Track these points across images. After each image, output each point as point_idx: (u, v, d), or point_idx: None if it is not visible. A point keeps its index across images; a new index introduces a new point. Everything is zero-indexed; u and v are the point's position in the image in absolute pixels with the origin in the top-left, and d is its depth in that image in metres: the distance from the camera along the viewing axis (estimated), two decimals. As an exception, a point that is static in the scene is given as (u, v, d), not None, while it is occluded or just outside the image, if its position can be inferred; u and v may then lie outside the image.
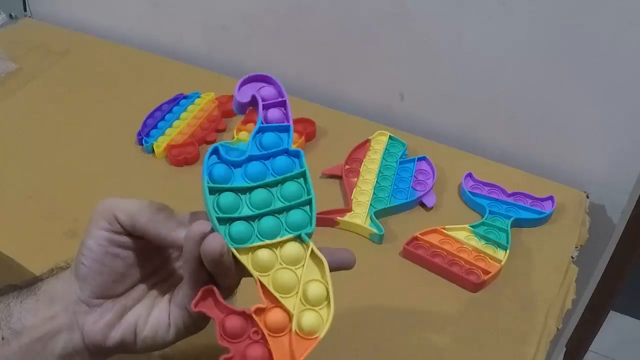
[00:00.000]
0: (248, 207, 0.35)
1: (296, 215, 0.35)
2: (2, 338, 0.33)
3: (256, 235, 0.34)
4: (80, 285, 0.35)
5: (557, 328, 0.49)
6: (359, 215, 0.58)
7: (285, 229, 0.35)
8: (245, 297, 0.37)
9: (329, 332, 0.48)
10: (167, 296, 0.38)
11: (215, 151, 0.36)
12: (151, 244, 0.36)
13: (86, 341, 0.35)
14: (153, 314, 0.37)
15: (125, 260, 0.36)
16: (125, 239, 0.35)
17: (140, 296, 0.37)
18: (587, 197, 0.62)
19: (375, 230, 0.56)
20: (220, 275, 0.33)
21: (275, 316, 0.33)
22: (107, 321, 0.35)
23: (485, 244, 0.55)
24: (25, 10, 1.07)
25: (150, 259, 0.38)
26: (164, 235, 0.34)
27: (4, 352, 0.34)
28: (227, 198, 0.34)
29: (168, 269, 0.39)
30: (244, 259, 0.33)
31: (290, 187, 0.36)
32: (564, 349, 0.81)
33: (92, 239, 0.34)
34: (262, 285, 0.33)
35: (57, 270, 0.37)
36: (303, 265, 0.34)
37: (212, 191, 0.34)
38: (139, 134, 0.71)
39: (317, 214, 0.57)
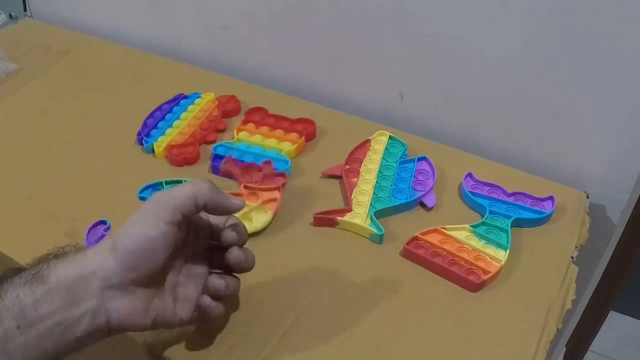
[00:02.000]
0: None
1: None
2: (18, 327, 0.34)
3: None
4: (123, 271, 0.36)
5: (557, 328, 0.49)
6: (359, 215, 0.58)
7: None
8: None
9: (328, 332, 0.48)
10: (181, 295, 0.42)
11: None
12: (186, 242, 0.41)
13: (112, 324, 0.37)
14: (171, 310, 0.40)
15: (168, 253, 0.38)
16: (177, 232, 0.38)
17: (157, 288, 0.40)
18: (587, 197, 0.62)
19: (375, 230, 0.56)
20: None
21: None
22: (139, 309, 0.37)
23: (485, 244, 0.55)
24: (25, 10, 1.07)
25: (183, 250, 0.41)
26: (223, 203, 0.40)
27: (22, 339, 0.34)
28: None
29: (190, 257, 0.43)
30: None
31: None
32: (564, 349, 0.81)
33: (154, 230, 0.37)
34: None
35: (60, 256, 0.37)
36: None
37: None
38: (139, 134, 0.71)
39: (317, 214, 0.58)
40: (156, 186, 0.62)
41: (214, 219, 0.44)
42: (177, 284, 0.42)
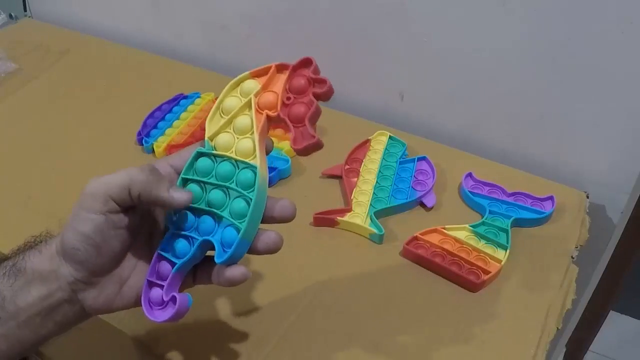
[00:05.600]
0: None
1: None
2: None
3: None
4: (76, 267, 0.36)
5: (557, 328, 0.49)
6: (359, 215, 0.58)
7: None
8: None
9: (328, 332, 0.48)
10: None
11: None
12: (140, 213, 0.37)
13: (88, 311, 0.37)
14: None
15: (121, 239, 0.37)
16: (120, 217, 0.36)
17: (133, 264, 0.38)
18: (587, 197, 0.62)
19: (375, 230, 0.56)
20: None
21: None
22: (108, 295, 0.37)
23: (485, 243, 0.55)
24: (25, 10, 1.07)
25: (138, 228, 0.38)
26: (160, 198, 0.36)
27: (2, 329, 0.34)
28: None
29: (152, 230, 0.40)
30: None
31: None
32: (564, 349, 0.81)
33: (87, 225, 0.35)
34: None
35: (35, 244, 0.38)
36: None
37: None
38: (139, 134, 0.71)
39: (317, 214, 0.58)
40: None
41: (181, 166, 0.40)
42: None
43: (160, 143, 0.69)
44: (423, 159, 0.66)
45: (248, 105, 0.40)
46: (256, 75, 0.41)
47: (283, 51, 0.82)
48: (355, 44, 0.75)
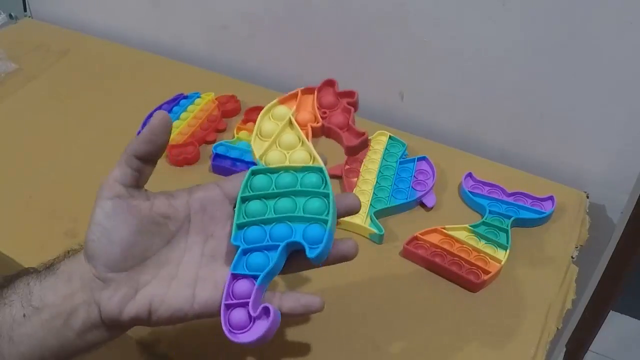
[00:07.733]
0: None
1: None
2: (24, 315, 0.35)
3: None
4: (92, 262, 0.37)
5: (557, 328, 0.49)
6: (359, 215, 0.58)
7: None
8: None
9: (328, 332, 0.48)
10: (185, 278, 0.39)
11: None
12: (150, 206, 0.39)
13: (103, 316, 0.37)
14: (170, 294, 0.38)
15: (131, 227, 0.37)
16: (127, 202, 0.37)
17: (154, 273, 0.38)
18: (587, 197, 0.62)
19: (375, 230, 0.56)
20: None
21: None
22: (122, 295, 0.37)
23: (485, 243, 0.55)
24: (25, 10, 1.07)
25: (154, 232, 0.39)
26: (147, 135, 0.39)
27: (26, 328, 0.35)
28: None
29: (171, 240, 0.40)
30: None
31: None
32: (564, 349, 0.81)
33: (98, 214, 0.37)
34: None
35: (73, 252, 0.39)
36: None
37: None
38: (139, 133, 0.71)
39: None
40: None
41: (233, 191, 0.41)
42: (191, 264, 0.39)
43: (160, 143, 0.69)
44: (423, 159, 0.66)
45: (288, 123, 0.42)
46: (284, 101, 0.44)
47: (283, 51, 0.82)
48: (355, 44, 0.75)
